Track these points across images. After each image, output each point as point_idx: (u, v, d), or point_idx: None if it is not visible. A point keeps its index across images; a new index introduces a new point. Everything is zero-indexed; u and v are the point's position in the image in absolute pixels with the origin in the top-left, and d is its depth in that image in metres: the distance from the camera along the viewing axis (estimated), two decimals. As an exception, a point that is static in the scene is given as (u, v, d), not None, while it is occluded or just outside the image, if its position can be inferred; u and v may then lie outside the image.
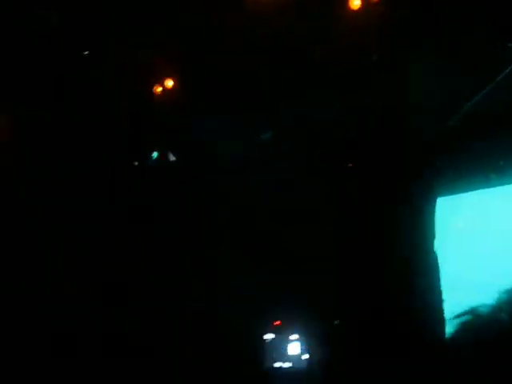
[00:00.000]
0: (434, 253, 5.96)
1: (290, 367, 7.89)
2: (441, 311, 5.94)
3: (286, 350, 7.97)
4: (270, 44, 6.00)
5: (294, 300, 7.72)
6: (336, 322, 7.54)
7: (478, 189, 5.98)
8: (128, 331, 7.23)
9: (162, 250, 6.88)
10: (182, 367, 7.50)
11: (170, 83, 6.22)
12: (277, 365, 7.93)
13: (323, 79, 6.26)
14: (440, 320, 5.73)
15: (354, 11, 5.84)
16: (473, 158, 6.02)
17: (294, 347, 7.96)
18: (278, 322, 8.05)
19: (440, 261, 6.06)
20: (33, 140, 6.11)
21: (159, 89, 6.22)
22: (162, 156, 6.47)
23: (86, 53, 5.75)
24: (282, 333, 7.96)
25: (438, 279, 6.03)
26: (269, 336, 8.00)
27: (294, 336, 7.91)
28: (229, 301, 7.42)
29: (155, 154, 6.55)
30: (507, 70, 5.80)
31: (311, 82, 6.28)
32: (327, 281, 7.33)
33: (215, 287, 7.52)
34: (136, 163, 6.48)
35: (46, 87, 5.96)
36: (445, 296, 6.01)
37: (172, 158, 6.55)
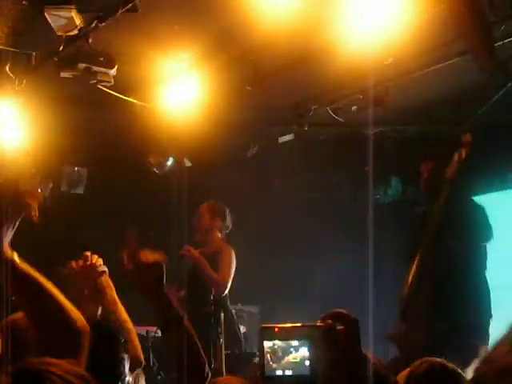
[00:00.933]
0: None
1: (292, 375, 7.65)
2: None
3: (286, 356, 7.73)
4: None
5: (294, 302, 7.53)
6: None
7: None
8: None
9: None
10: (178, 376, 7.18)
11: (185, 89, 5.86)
12: (278, 372, 7.69)
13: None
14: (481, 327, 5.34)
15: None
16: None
17: (296, 353, 7.73)
18: (277, 327, 7.79)
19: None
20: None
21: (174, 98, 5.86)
22: (178, 162, 6.12)
23: (101, 59, 5.32)
24: (282, 338, 7.71)
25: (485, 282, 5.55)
26: (268, 343, 7.74)
27: (295, 342, 7.68)
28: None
29: (171, 160, 6.21)
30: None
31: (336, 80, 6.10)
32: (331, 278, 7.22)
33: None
34: (155, 170, 6.13)
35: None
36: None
37: (188, 163, 6.21)
